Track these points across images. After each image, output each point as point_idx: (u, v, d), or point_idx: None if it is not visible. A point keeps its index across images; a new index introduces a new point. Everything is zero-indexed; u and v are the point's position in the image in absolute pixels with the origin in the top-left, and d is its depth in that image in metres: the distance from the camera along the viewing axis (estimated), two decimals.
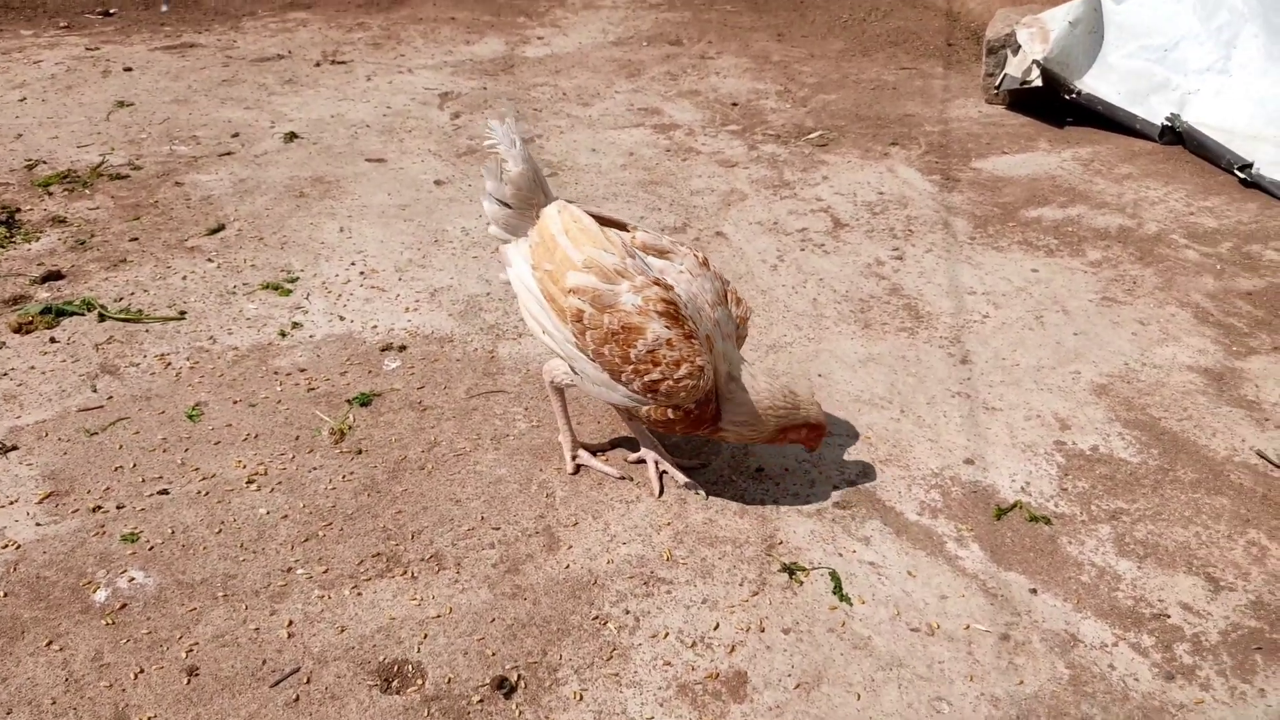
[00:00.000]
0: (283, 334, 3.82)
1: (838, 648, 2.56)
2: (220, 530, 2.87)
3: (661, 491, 3.06)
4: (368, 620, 2.59)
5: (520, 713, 2.37)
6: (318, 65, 7.10)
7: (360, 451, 3.21)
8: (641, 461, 3.16)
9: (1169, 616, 2.67)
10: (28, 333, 3.76)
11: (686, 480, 3.07)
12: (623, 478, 3.12)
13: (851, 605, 2.69)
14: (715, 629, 2.60)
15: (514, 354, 3.75)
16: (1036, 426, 3.42)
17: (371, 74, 6.95)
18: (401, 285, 4.20)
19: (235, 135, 5.73)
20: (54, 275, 4.14)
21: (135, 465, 3.11)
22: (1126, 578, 2.79)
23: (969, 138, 5.99)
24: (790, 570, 2.79)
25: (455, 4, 8.76)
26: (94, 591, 2.65)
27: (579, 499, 3.04)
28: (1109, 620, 2.65)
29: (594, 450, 3.22)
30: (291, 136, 5.73)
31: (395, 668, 2.47)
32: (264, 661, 2.47)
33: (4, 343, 3.71)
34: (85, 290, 4.05)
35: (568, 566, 2.79)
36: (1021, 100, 6.37)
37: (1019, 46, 6.22)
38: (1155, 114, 5.86)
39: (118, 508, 2.94)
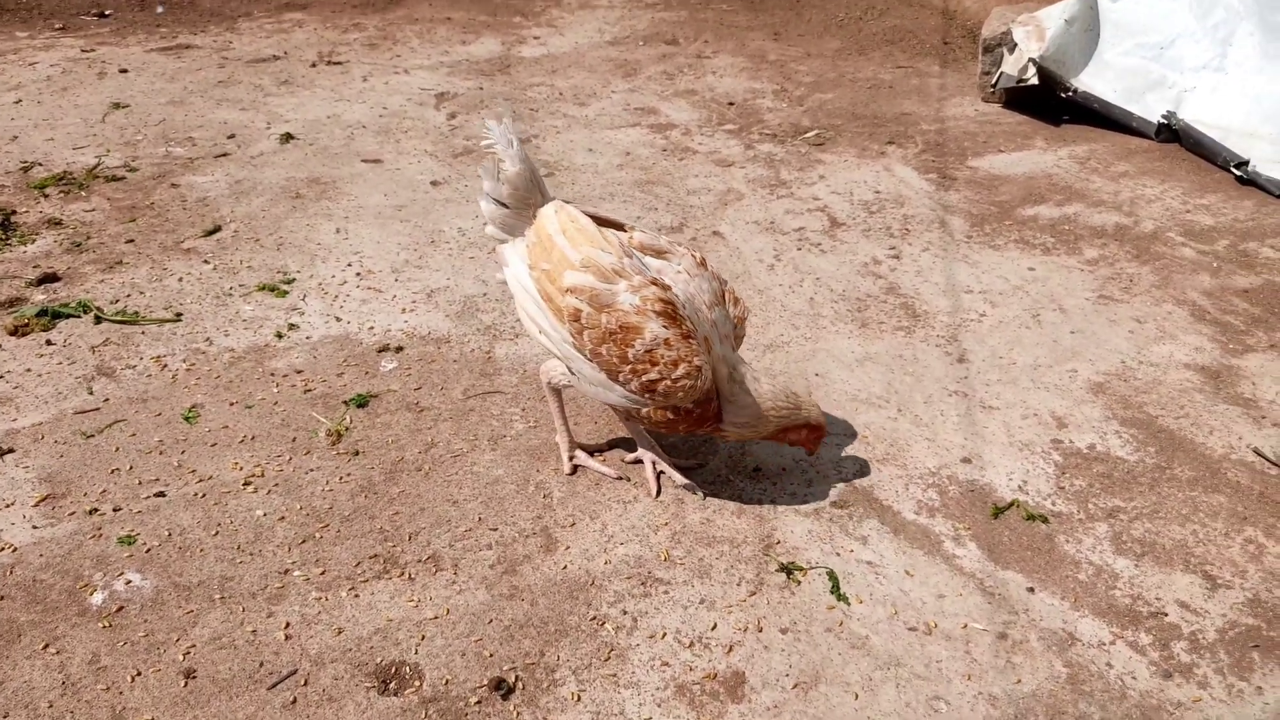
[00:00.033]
0: (279, 335, 3.82)
1: (835, 647, 2.56)
2: (217, 532, 2.87)
3: (659, 492, 3.06)
4: (365, 622, 2.59)
5: (518, 714, 2.36)
6: (314, 66, 7.09)
7: (357, 453, 3.21)
8: (639, 462, 3.16)
9: (1166, 615, 2.67)
10: (24, 335, 3.75)
11: (684, 480, 3.07)
12: (620, 478, 3.11)
13: (849, 605, 2.69)
14: (713, 629, 2.60)
15: (511, 354, 3.75)
16: (1033, 425, 3.42)
17: (367, 75, 6.95)
18: (398, 286, 4.20)
19: (231, 137, 5.72)
20: (50, 277, 4.14)
21: (132, 467, 3.11)
22: (1124, 576, 2.80)
23: (965, 136, 5.99)
24: (788, 570, 2.79)
25: (451, 4, 8.75)
26: (91, 594, 2.65)
27: (576, 499, 3.04)
28: (1106, 619, 2.65)
29: (591, 451, 3.22)
30: (287, 138, 5.72)
31: (393, 669, 2.47)
32: (261, 664, 2.47)
33: (0, 345, 3.70)
34: (81, 292, 4.05)
35: (565, 567, 2.78)
36: (1018, 98, 6.37)
37: (1015, 45, 6.22)
38: (1151, 112, 5.87)
39: (114, 510, 2.93)
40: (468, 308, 4.05)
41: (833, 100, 6.62)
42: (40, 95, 6.25)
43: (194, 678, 2.42)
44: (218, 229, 4.63)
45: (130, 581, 2.69)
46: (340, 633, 2.56)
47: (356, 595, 2.67)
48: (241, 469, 3.12)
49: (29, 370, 3.56)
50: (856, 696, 2.43)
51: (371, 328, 3.89)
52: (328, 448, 3.23)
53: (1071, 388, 3.62)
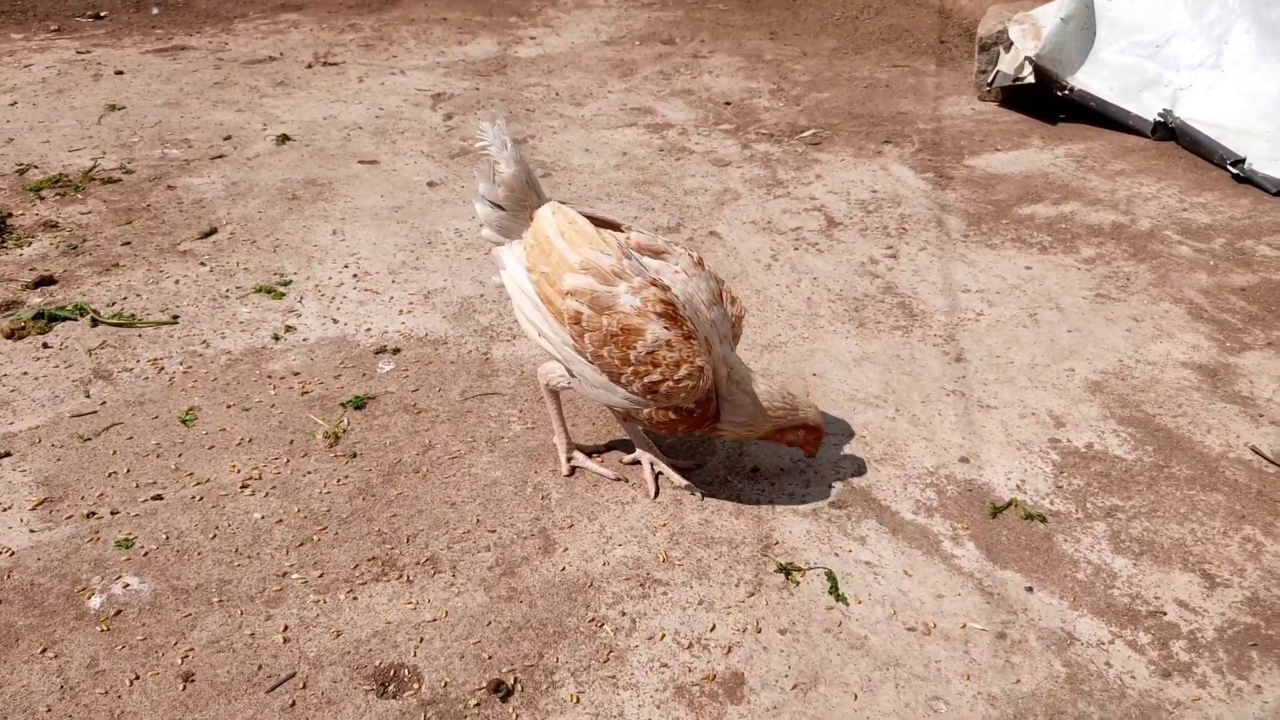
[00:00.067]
0: (276, 337, 3.81)
1: (834, 648, 2.56)
2: (215, 535, 2.86)
3: (657, 493, 3.06)
4: (363, 624, 2.59)
5: (517, 715, 2.36)
6: (309, 67, 7.08)
7: (355, 455, 3.21)
8: (637, 463, 3.15)
9: (1165, 614, 2.68)
10: (20, 338, 3.75)
11: (682, 481, 3.07)
12: (618, 479, 3.11)
13: (848, 605, 2.69)
14: (712, 630, 2.60)
15: (508, 356, 3.74)
16: (1031, 424, 3.42)
17: (363, 75, 6.94)
18: (395, 287, 4.19)
19: (227, 138, 5.71)
20: (46, 280, 4.13)
21: (129, 470, 3.10)
22: (1122, 575, 2.80)
23: (962, 135, 5.99)
24: (786, 570, 2.79)
25: (447, 4, 8.75)
26: (89, 598, 2.64)
27: (574, 501, 3.03)
28: (1105, 618, 2.66)
29: (589, 452, 3.21)
30: (284, 139, 5.71)
31: (391, 672, 2.47)
32: (260, 667, 2.46)
33: None
34: (78, 295, 4.04)
35: (564, 569, 2.78)
36: (1014, 97, 6.38)
37: (1011, 43, 6.22)
38: (1148, 110, 5.87)
39: (112, 513, 2.93)
40: (465, 309, 4.05)
41: (829, 100, 6.62)
42: (36, 97, 6.24)
43: (192, 681, 2.42)
44: (214, 231, 4.62)
45: (128, 585, 2.68)
46: (339, 635, 2.55)
47: (355, 598, 2.67)
48: (239, 471, 3.12)
49: (26, 373, 3.56)
50: (856, 697, 2.43)
51: (369, 329, 3.88)
52: (325, 450, 3.22)
53: (1069, 387, 3.62)
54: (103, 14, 8.09)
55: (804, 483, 3.13)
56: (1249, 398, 3.56)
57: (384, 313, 4.00)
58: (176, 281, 4.18)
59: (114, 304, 3.99)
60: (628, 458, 3.19)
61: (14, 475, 3.07)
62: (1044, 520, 2.99)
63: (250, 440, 3.26)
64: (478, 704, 2.38)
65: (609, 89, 6.81)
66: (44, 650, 2.48)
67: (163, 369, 3.61)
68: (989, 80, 6.44)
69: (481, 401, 3.48)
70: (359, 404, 3.44)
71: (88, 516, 2.91)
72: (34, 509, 2.94)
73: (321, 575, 2.73)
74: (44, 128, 5.75)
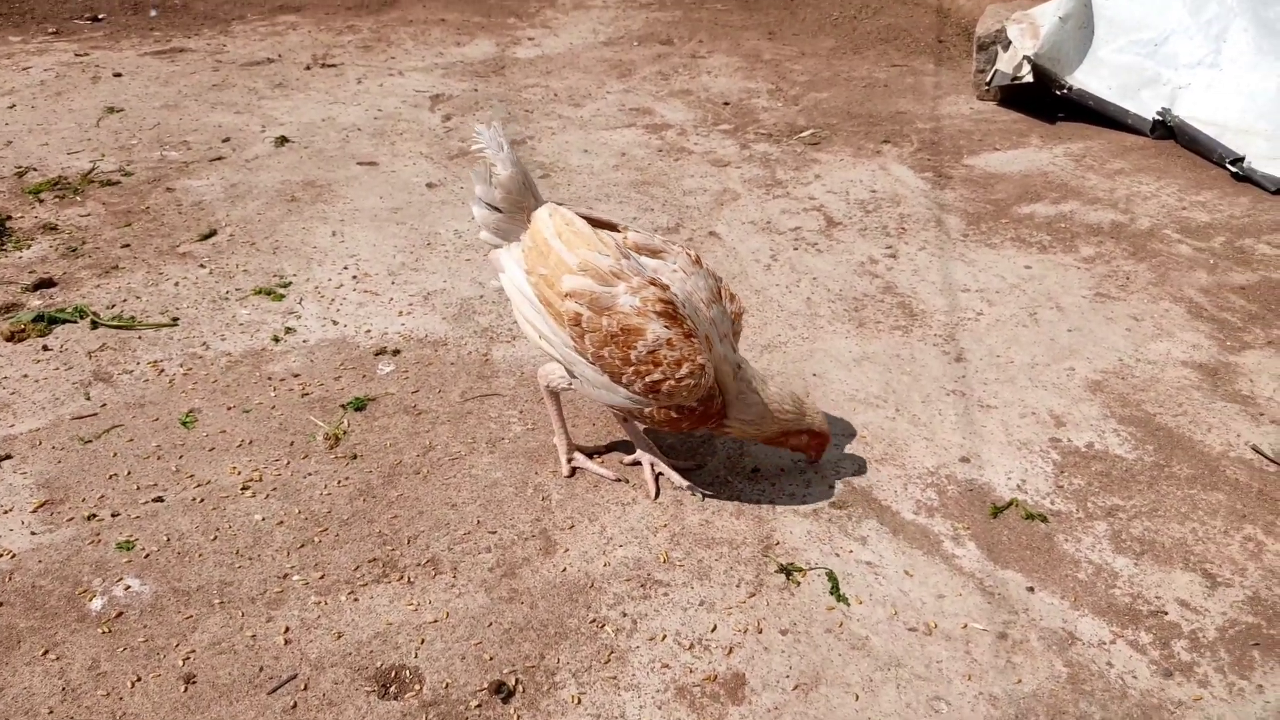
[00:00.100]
0: (276, 339, 3.81)
1: (835, 648, 2.56)
2: (216, 537, 2.86)
3: (658, 493, 3.06)
4: (365, 626, 2.59)
5: (518, 717, 2.36)
6: (308, 69, 7.08)
7: (355, 456, 3.20)
8: (637, 463, 3.15)
9: (1166, 613, 2.68)
10: (20, 341, 3.74)
11: (683, 482, 3.07)
12: (619, 480, 3.11)
13: (849, 605, 2.69)
14: (713, 631, 2.60)
15: (508, 357, 3.74)
16: (1032, 424, 3.42)
17: (362, 77, 6.94)
18: (395, 289, 4.19)
19: (226, 140, 5.71)
20: (46, 283, 4.13)
21: (130, 473, 3.10)
22: (1123, 575, 2.80)
23: (961, 134, 5.99)
24: (787, 571, 2.79)
25: (445, 6, 8.75)
26: (90, 600, 2.64)
27: (575, 502, 3.03)
28: (1106, 618, 2.66)
29: (589, 453, 3.21)
30: (282, 141, 5.71)
31: (393, 673, 2.47)
32: (261, 668, 2.46)
33: None
34: (77, 297, 4.04)
35: (564, 570, 2.78)
36: (1013, 96, 6.38)
37: (1009, 42, 6.23)
38: (1146, 109, 5.87)
39: (113, 515, 2.93)
40: (464, 310, 4.05)
41: (828, 99, 6.62)
42: (34, 100, 6.24)
43: (194, 683, 2.42)
44: (213, 233, 4.62)
45: (129, 587, 2.68)
46: (340, 637, 2.55)
47: (356, 599, 2.67)
48: (239, 473, 3.11)
49: (26, 376, 3.55)
50: (857, 697, 2.43)
51: (368, 331, 3.88)
52: (326, 451, 3.22)
53: (1069, 386, 3.62)
54: (101, 16, 8.09)
55: (804, 483, 3.13)
56: (1249, 396, 3.56)
57: (384, 314, 4.00)
58: (176, 283, 4.18)
59: (113, 306, 3.99)
60: (628, 459, 3.19)
61: (15, 478, 3.07)
62: (1045, 520, 2.99)
63: (251, 442, 3.25)
64: (479, 705, 2.38)
65: (607, 89, 6.81)
66: (46, 652, 2.48)
67: (163, 371, 3.61)
68: (987, 79, 6.44)
69: (482, 403, 3.48)
70: (359, 405, 3.43)
71: (89, 519, 2.91)
72: (35, 511, 2.93)
73: (322, 577, 2.73)
74: (43, 130, 5.75)
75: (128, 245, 4.48)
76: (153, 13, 8.22)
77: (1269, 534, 2.95)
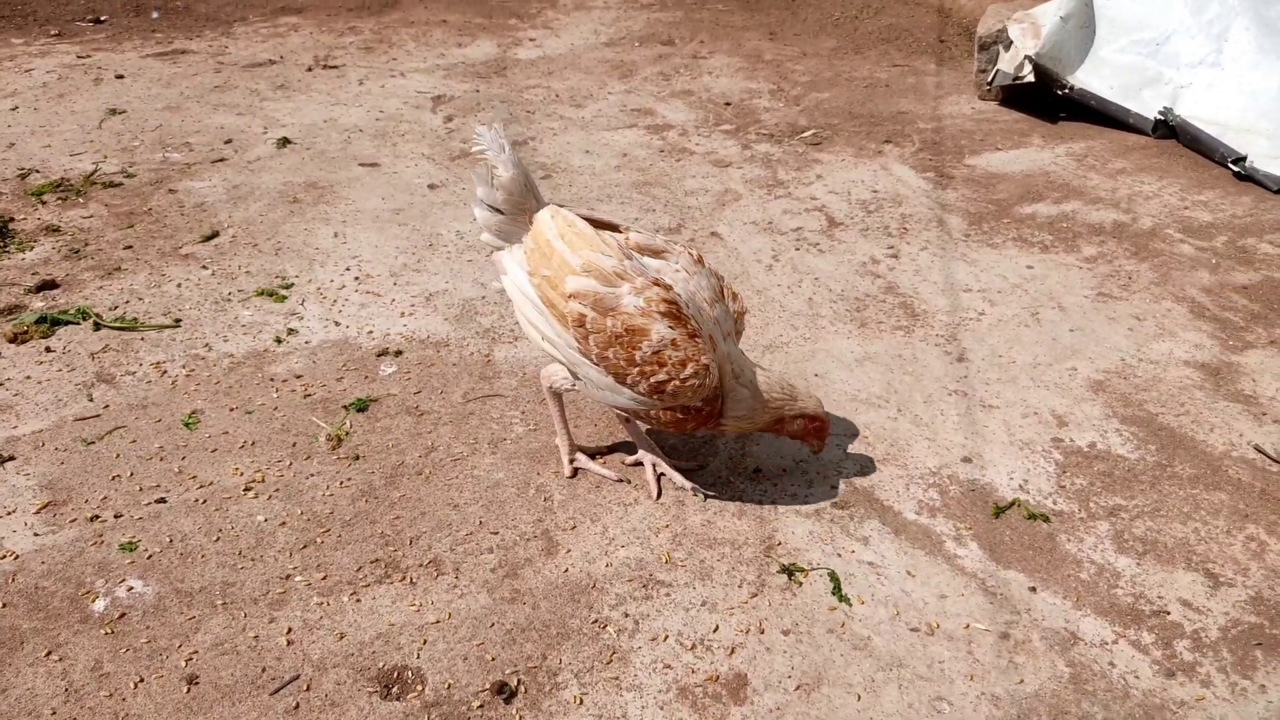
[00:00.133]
0: (278, 340, 3.82)
1: (837, 648, 2.56)
2: (218, 538, 2.86)
3: (660, 494, 3.06)
4: (367, 627, 2.59)
5: (520, 717, 2.36)
6: (310, 70, 7.09)
7: (357, 457, 3.21)
8: (639, 464, 3.15)
9: (1169, 613, 2.68)
10: (23, 342, 3.75)
11: (688, 483, 3.07)
12: (620, 480, 3.11)
13: (851, 606, 2.69)
14: (715, 631, 2.60)
15: (510, 358, 3.75)
16: (1034, 424, 3.42)
17: (364, 78, 6.94)
18: (397, 290, 4.20)
19: (228, 141, 5.72)
20: (49, 284, 4.13)
21: (132, 474, 3.11)
22: (1126, 575, 2.80)
23: (962, 134, 5.99)
24: (789, 571, 2.79)
25: (447, 7, 8.75)
26: (93, 601, 2.65)
27: (577, 502, 3.03)
28: (1109, 618, 2.65)
29: (591, 453, 3.21)
30: (284, 142, 5.72)
31: (395, 674, 2.47)
32: (264, 669, 2.47)
33: (0, 353, 3.71)
34: (80, 299, 4.04)
35: (566, 570, 2.78)
36: (1014, 96, 6.38)
37: (1011, 42, 6.22)
38: (1148, 108, 5.87)
39: (115, 517, 2.93)
40: (466, 311, 4.05)
41: (829, 100, 6.62)
42: (37, 102, 6.25)
43: (196, 684, 2.42)
44: (215, 234, 4.62)
45: (132, 588, 2.69)
46: (342, 638, 2.55)
47: (358, 600, 2.67)
48: (242, 474, 3.12)
49: (29, 377, 3.56)
50: (859, 698, 2.43)
51: (371, 332, 3.89)
52: (328, 452, 3.23)
53: (1071, 386, 3.62)
54: (103, 18, 8.10)
55: (806, 483, 3.14)
56: (1252, 396, 3.56)
57: (386, 315, 4.01)
58: (178, 285, 4.18)
59: (116, 308, 3.99)
60: (630, 459, 3.19)
61: (18, 479, 3.07)
62: (1047, 520, 2.99)
63: (253, 443, 3.26)
64: (481, 706, 2.39)
65: (609, 90, 6.81)
66: (49, 653, 2.49)
67: (165, 372, 3.61)
68: (989, 79, 6.44)
69: (484, 403, 3.49)
70: (361, 406, 3.44)
71: (91, 520, 2.92)
72: (38, 513, 2.94)
73: (325, 577, 2.74)
74: (45, 132, 5.76)
75: (130, 247, 4.48)
76: (154, 14, 8.23)
77: (1271, 534, 2.94)
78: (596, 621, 2.62)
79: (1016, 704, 2.41)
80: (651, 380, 2.67)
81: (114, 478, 3.09)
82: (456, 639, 2.56)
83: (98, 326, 3.86)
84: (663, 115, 6.33)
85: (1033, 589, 2.74)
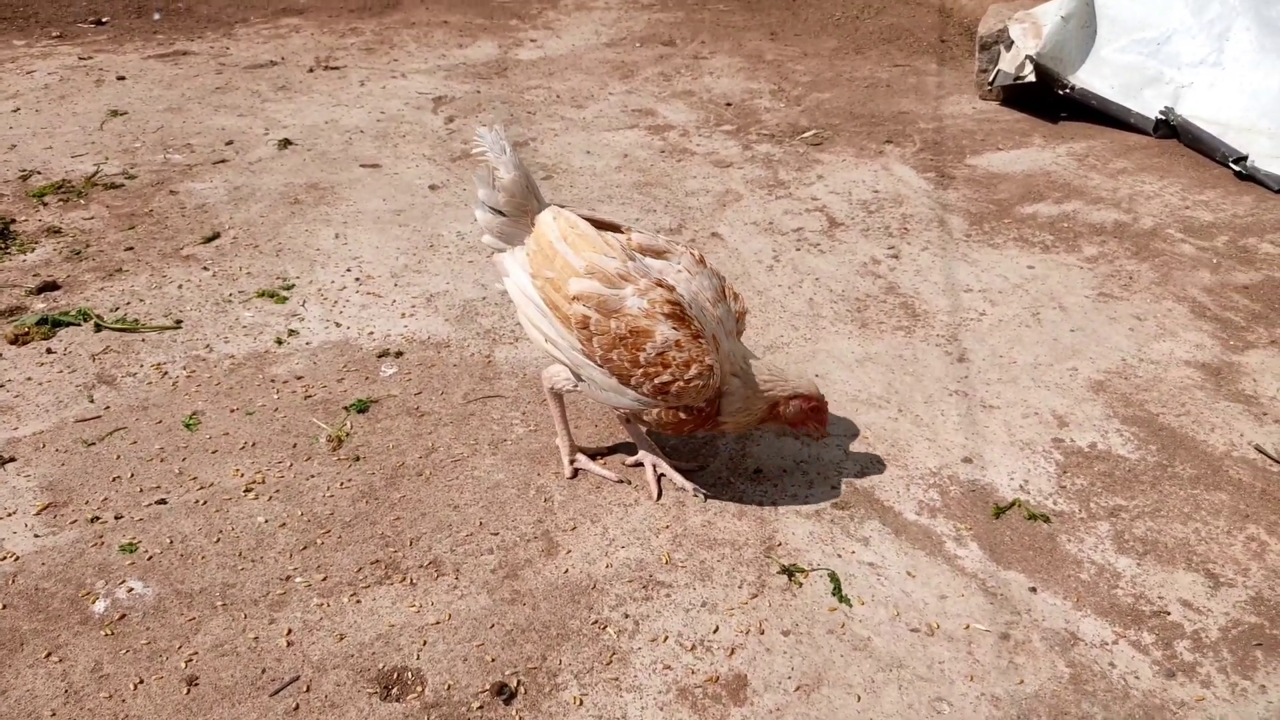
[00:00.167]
0: (279, 341, 3.82)
1: (838, 649, 2.56)
2: (218, 539, 2.87)
3: (660, 495, 3.06)
4: (367, 628, 2.59)
5: (520, 718, 2.36)
6: (311, 71, 7.09)
7: (358, 458, 3.21)
8: (639, 465, 3.15)
9: (1169, 613, 2.67)
10: (24, 344, 3.75)
11: (688, 484, 3.07)
12: (621, 481, 3.11)
13: (851, 606, 2.68)
14: (715, 632, 2.60)
15: (511, 359, 3.75)
16: (1034, 424, 3.42)
17: (365, 79, 6.95)
18: (398, 291, 4.20)
19: (229, 143, 5.72)
20: (50, 286, 4.14)
21: (133, 475, 3.11)
22: (1126, 575, 2.79)
23: (963, 134, 5.99)
24: (789, 572, 2.79)
25: (448, 8, 8.76)
26: (93, 602, 2.65)
27: (577, 503, 3.04)
28: (1109, 618, 2.65)
29: (592, 454, 3.21)
30: (285, 143, 5.72)
31: (395, 675, 2.47)
32: (263, 670, 2.47)
33: (0, 354, 3.70)
34: (81, 300, 4.05)
35: (566, 571, 2.78)
36: (1015, 96, 6.37)
37: (1012, 42, 6.22)
38: (1149, 108, 5.86)
39: (116, 518, 2.93)
40: (467, 312, 4.05)
41: (830, 100, 6.62)
42: (38, 103, 6.26)
43: (196, 685, 2.42)
44: (216, 235, 4.63)
45: (132, 589, 2.69)
46: (342, 639, 2.56)
47: (358, 601, 2.67)
48: (242, 476, 3.12)
49: (30, 379, 3.56)
50: (859, 698, 2.43)
51: (371, 333, 3.89)
52: (328, 453, 3.23)
53: (1072, 386, 3.62)
54: (104, 20, 8.11)
55: (806, 484, 3.13)
56: (1253, 396, 3.55)
57: (386, 316, 4.01)
58: (179, 286, 4.19)
59: (117, 309, 4.00)
60: (630, 460, 3.19)
61: (19, 480, 3.08)
62: (1047, 520, 2.99)
63: (253, 444, 3.26)
64: (481, 707, 2.39)
65: (610, 91, 6.82)
66: (49, 655, 2.49)
67: (166, 373, 3.62)
68: (990, 79, 6.43)
69: (484, 404, 3.49)
70: (362, 407, 3.44)
71: (92, 521, 2.92)
72: (39, 514, 2.94)
73: (325, 579, 2.74)
74: (46, 134, 5.77)
75: (131, 248, 4.49)
76: (156, 16, 8.24)
77: (1272, 534, 2.94)
78: (596, 622, 2.62)
79: (1016, 704, 2.41)
80: (656, 381, 2.67)
81: (114, 479, 3.09)
82: (456, 640, 2.56)
83: (99, 328, 3.86)
84: (664, 116, 6.33)
85: (1033, 589, 2.74)
